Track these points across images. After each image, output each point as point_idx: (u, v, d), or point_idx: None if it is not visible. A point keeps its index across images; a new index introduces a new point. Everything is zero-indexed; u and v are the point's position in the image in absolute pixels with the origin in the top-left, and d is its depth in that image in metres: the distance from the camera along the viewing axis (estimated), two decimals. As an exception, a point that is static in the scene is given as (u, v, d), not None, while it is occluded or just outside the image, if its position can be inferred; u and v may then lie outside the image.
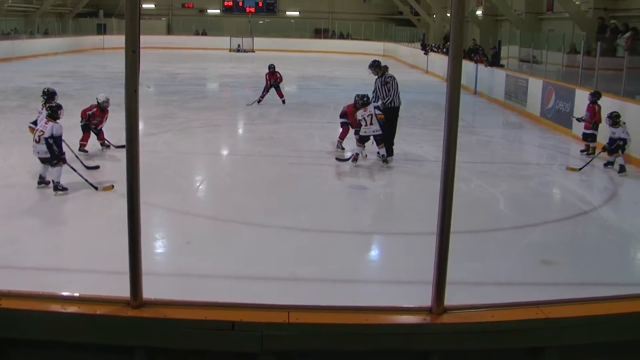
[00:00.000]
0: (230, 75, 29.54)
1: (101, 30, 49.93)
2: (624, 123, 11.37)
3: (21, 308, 2.95)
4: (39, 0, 44.85)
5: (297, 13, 55.00)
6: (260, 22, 53.96)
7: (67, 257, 7.01)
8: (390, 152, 11.72)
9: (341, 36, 53.78)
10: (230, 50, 48.86)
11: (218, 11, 54.77)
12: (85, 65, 27.55)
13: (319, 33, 53.95)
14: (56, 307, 2.96)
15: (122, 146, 11.59)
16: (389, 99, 11.63)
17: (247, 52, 48.39)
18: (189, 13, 54.48)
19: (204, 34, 53.26)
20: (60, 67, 30.63)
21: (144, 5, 51.68)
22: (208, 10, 54.89)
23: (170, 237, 7.98)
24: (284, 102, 19.07)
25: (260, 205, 9.30)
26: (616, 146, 11.29)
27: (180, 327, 2.79)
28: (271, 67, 18.94)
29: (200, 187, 10.36)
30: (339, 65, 23.26)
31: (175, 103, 18.81)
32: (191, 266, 6.82)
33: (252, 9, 54.29)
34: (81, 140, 11.50)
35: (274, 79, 18.89)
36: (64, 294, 3.06)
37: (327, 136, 14.16)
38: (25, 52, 36.29)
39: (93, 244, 7.37)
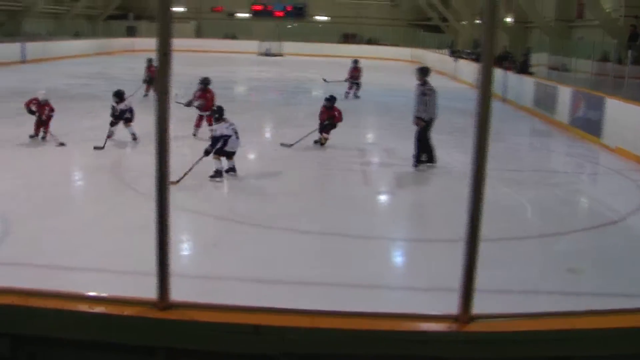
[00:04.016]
0: (257, 79, 29.67)
1: (131, 32, 50.30)
2: None
3: (48, 307, 2.97)
4: (70, 3, 45.30)
5: (326, 18, 55.02)
6: (289, 26, 54.03)
7: (94, 258, 7.05)
8: (431, 159, 11.84)
9: (369, 41, 53.68)
10: (258, 54, 49.02)
11: (247, 15, 54.92)
12: (113, 67, 27.77)
13: (347, 38, 53.94)
14: (83, 307, 2.98)
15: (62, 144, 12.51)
16: (424, 112, 11.51)
17: (275, 56, 48.50)
18: (218, 16, 54.71)
19: (233, 37, 53.46)
20: (89, 69, 30.91)
21: (173, 9, 51.96)
22: (237, 14, 55.07)
23: (194, 239, 8.01)
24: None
25: (285, 208, 9.31)
26: None
27: (204, 330, 2.80)
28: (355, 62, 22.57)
29: (226, 190, 10.38)
30: (367, 71, 23.20)
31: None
32: (215, 269, 6.83)
33: (281, 13, 54.37)
34: None
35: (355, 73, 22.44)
36: (91, 294, 3.06)
37: (353, 141, 14.15)
38: (56, 53, 36.67)
39: (119, 245, 7.42)
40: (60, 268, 6.67)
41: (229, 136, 10.59)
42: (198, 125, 14.11)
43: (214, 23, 53.96)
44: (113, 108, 13.00)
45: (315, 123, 13.64)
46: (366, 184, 11.12)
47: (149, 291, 2.90)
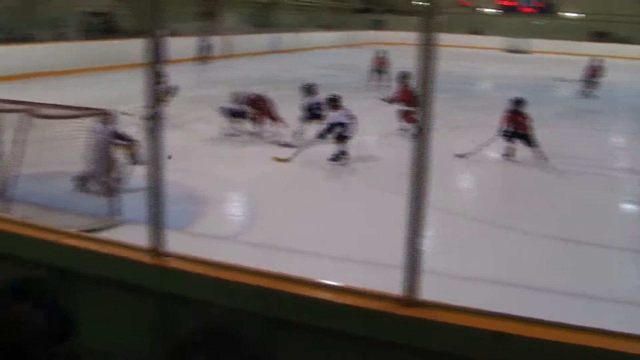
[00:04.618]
0: (502, 76, 29.00)
1: (377, 26, 51.27)
2: None
3: (292, 292, 3.08)
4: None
5: (577, 15, 52.60)
6: (535, 23, 52.27)
7: (336, 246, 7.25)
8: None
9: (621, 40, 50.53)
10: (503, 51, 47.96)
11: (494, 10, 53.91)
12: (359, 59, 28.34)
13: (597, 36, 51.19)
14: (327, 295, 3.04)
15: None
16: None
17: (520, 52, 47.21)
18: (463, 11, 54.20)
19: (478, 32, 52.73)
20: (335, 60, 31.93)
21: (418, 2, 52.20)
22: (484, 10, 54.24)
23: (435, 236, 7.96)
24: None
25: (518, 210, 9.07)
26: None
27: (448, 331, 2.75)
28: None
29: (463, 187, 10.25)
30: (618, 71, 21.96)
31: (448, 101, 18.77)
32: (454, 268, 6.75)
33: (529, 9, 52.77)
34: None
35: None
36: (335, 283, 3.12)
37: (600, 145, 13.40)
38: (304, 45, 38.31)
39: (363, 235, 7.59)
40: (304, 254, 6.93)
41: (345, 123, 11.17)
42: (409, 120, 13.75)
43: (458, 18, 53.54)
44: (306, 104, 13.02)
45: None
46: (610, 189, 10.44)
47: (389, 284, 2.91)
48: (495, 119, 11.85)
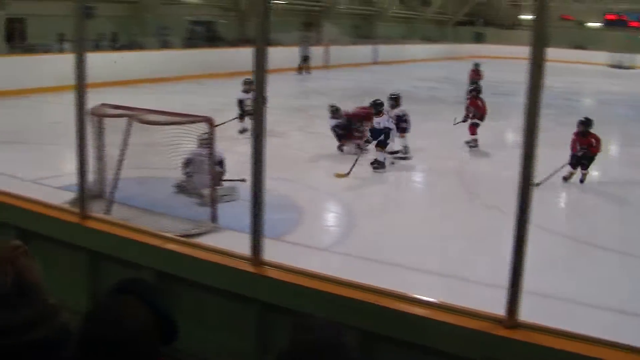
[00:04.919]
0: (606, 92, 28.15)
1: (479, 38, 50.67)
2: None
3: (388, 306, 3.05)
4: (421, 8, 46.82)
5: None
6: (643, 38, 50.58)
7: (432, 260, 7.16)
8: None
9: None
10: (608, 66, 46.56)
11: (598, 24, 52.43)
12: (460, 72, 28.10)
13: None
14: (424, 312, 3.00)
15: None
16: None
17: (627, 68, 45.73)
18: (567, 25, 52.92)
19: (581, 47, 51.36)
20: (436, 72, 31.72)
21: (522, 17, 51.47)
22: (587, 23, 52.83)
23: (538, 255, 7.72)
24: None
25: (622, 231, 8.73)
26: None
27: (547, 355, 2.67)
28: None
29: (560, 204, 9.97)
30: None
31: (550, 117, 18.32)
32: (557, 289, 6.53)
33: (637, 24, 51.08)
34: None
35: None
36: (432, 299, 3.08)
37: None
38: (405, 56, 38.28)
39: (457, 251, 7.48)
40: (398, 266, 6.88)
41: (390, 129, 11.27)
42: (472, 132, 13.63)
43: (561, 32, 52.31)
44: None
45: None
46: None
47: (483, 302, 2.84)
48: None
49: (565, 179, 10.86)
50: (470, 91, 14.33)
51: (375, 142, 11.37)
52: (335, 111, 12.70)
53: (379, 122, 11.36)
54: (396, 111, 12.56)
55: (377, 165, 11.20)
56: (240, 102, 13.53)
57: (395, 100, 12.74)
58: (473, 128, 13.49)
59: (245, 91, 13.19)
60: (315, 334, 1.80)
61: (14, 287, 2.25)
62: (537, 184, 9.94)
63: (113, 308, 2.05)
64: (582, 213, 10.07)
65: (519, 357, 2.73)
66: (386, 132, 11.23)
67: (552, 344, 2.67)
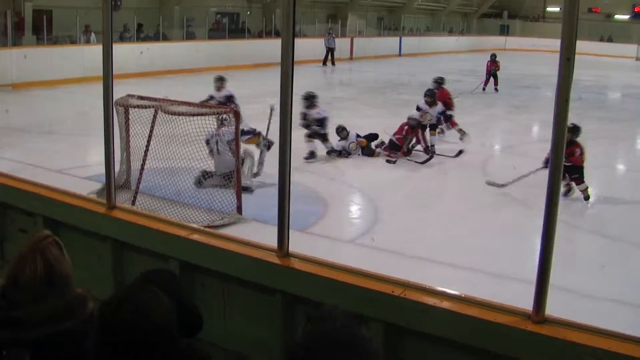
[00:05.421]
0: (635, 86, 27.79)
1: (504, 31, 50.29)
2: None
3: (413, 299, 3.04)
4: (447, 0, 46.58)
5: None
6: (674, 30, 49.87)
7: (459, 255, 7.11)
8: None
9: None
10: (637, 59, 45.98)
11: (627, 17, 51.79)
12: (485, 64, 27.90)
13: None
14: (446, 305, 2.99)
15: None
16: None
17: (655, 62, 45.15)
18: (594, 18, 52.32)
19: (609, 40, 50.78)
20: (461, 65, 31.49)
21: (549, 9, 51.05)
22: (615, 16, 52.20)
23: (567, 253, 7.64)
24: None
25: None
26: None
27: (582, 353, 2.64)
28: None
29: (591, 200, 9.83)
30: None
31: (576, 111, 18.12)
32: (588, 287, 6.44)
33: (669, 16, 50.38)
34: None
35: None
36: (457, 293, 3.06)
37: None
38: (430, 49, 38.10)
39: (485, 245, 7.44)
40: (424, 260, 6.86)
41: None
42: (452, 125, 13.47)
43: (588, 24, 51.71)
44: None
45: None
46: None
47: (512, 297, 2.82)
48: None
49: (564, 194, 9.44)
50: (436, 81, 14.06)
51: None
52: (341, 131, 11.88)
53: (319, 112, 11.59)
54: (437, 108, 12.45)
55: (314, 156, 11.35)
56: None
57: (432, 96, 12.52)
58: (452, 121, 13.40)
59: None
60: (330, 323, 1.72)
61: (44, 277, 2.26)
62: (502, 185, 9.63)
63: (135, 297, 2.06)
64: (611, 208, 9.94)
65: (547, 352, 2.71)
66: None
67: (580, 340, 2.64)
